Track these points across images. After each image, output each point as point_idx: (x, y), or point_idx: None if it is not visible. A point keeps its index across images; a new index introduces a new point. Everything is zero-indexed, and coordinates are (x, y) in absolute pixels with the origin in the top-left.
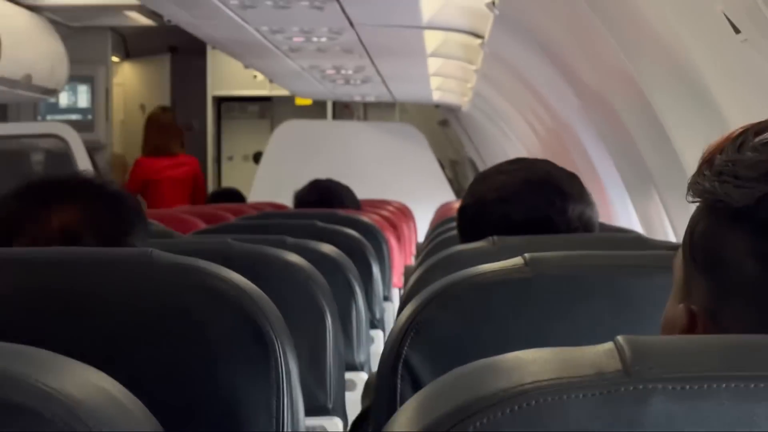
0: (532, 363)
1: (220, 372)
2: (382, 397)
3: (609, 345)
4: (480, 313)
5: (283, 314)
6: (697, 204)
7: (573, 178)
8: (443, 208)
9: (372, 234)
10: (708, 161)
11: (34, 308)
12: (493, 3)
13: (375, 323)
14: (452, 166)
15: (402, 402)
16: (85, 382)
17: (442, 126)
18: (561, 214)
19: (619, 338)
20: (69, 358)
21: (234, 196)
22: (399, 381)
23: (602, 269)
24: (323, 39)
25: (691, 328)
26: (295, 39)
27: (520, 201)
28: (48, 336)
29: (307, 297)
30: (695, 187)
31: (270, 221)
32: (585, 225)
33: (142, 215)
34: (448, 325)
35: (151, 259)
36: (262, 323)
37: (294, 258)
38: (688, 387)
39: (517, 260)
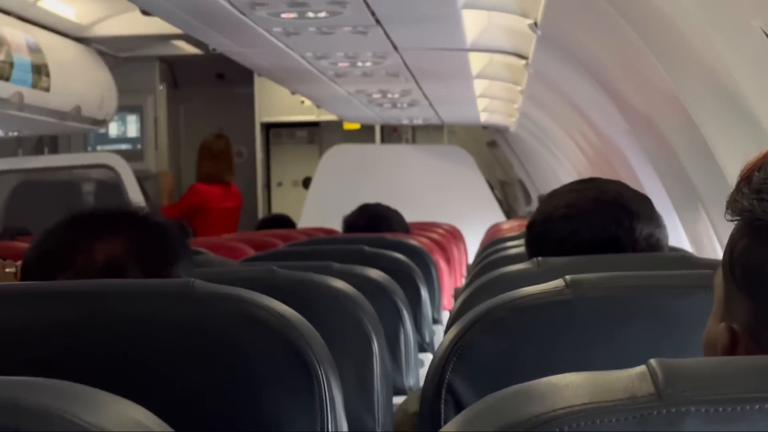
0: (564, 388)
1: (263, 401)
2: (426, 422)
3: (642, 368)
4: (522, 337)
5: (328, 340)
6: (737, 222)
7: (643, 200)
8: (493, 229)
9: (420, 257)
10: (746, 179)
11: (77, 340)
12: (536, 24)
13: (425, 346)
14: (502, 187)
15: None
16: (122, 417)
17: (490, 147)
18: (628, 235)
19: (652, 361)
20: (107, 393)
21: (284, 222)
22: (443, 405)
23: (644, 290)
24: (368, 63)
25: (732, 347)
26: (340, 64)
27: (588, 219)
28: (90, 368)
29: (353, 323)
30: (734, 205)
31: (318, 247)
32: (653, 246)
33: (187, 245)
34: (490, 349)
35: (193, 289)
36: (304, 351)
37: (339, 284)
38: (721, 409)
39: (557, 282)
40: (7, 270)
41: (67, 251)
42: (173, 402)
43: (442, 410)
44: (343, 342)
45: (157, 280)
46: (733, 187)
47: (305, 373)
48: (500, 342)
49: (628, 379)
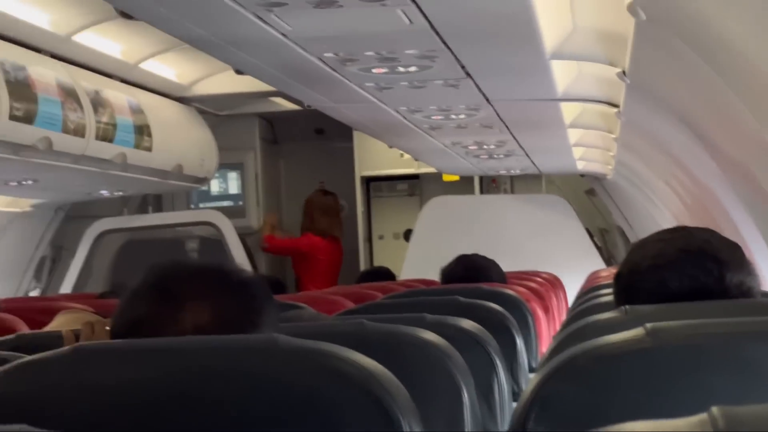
0: None
1: None
2: None
3: (703, 416)
4: (603, 385)
5: (418, 392)
6: None
7: (734, 247)
8: (592, 277)
9: (516, 306)
10: None
11: (163, 396)
12: (624, 72)
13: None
14: (601, 235)
15: None
16: None
17: (588, 195)
18: (718, 283)
19: (714, 409)
20: None
21: (384, 274)
22: None
23: (726, 337)
24: (462, 116)
25: None
26: (434, 117)
27: (676, 269)
28: (175, 423)
29: (443, 374)
30: None
31: (414, 299)
32: (744, 294)
33: (272, 300)
34: (571, 397)
35: (276, 345)
36: (388, 404)
37: (429, 336)
38: None
39: (638, 331)
40: (107, 328)
41: (153, 322)
42: None
43: None
44: (433, 393)
45: (242, 336)
46: None
47: (389, 426)
48: (581, 391)
49: (687, 426)
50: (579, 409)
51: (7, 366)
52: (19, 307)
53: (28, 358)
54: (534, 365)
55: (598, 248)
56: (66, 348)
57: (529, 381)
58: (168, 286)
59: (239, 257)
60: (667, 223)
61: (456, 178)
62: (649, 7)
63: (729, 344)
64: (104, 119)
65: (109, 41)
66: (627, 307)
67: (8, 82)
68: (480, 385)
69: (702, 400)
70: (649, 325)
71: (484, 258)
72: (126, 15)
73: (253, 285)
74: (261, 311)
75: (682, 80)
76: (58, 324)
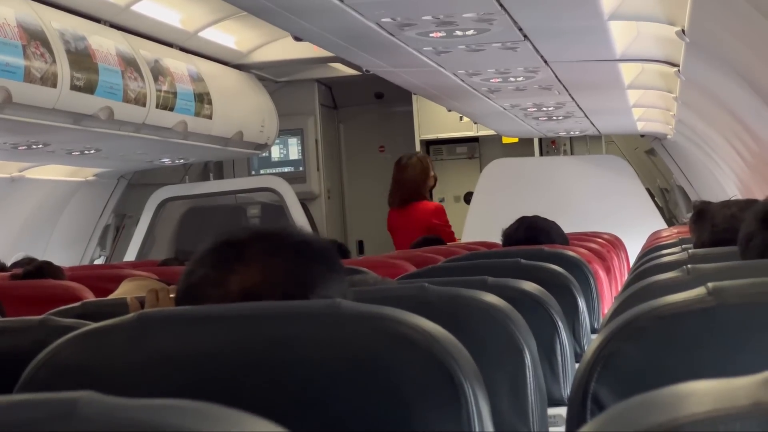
0: (688, 396)
1: (411, 418)
2: (572, 428)
3: (766, 374)
4: (665, 345)
5: (480, 354)
6: None
7: None
8: (653, 237)
9: (578, 268)
10: None
11: (225, 363)
12: (683, 31)
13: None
14: (662, 195)
15: None
16: None
17: (649, 155)
18: None
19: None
20: (251, 415)
21: (435, 242)
22: (588, 415)
23: None
24: (520, 78)
25: None
26: (493, 80)
27: None
28: (238, 392)
29: (505, 336)
30: None
31: (475, 262)
32: None
33: (334, 263)
34: (633, 357)
35: (339, 310)
36: (451, 366)
37: (490, 298)
38: None
39: (700, 290)
40: (171, 296)
41: (204, 286)
42: (320, 423)
43: (588, 417)
44: (496, 355)
45: (303, 302)
46: None
47: (452, 389)
48: (643, 350)
49: (752, 384)
50: (641, 368)
51: (72, 334)
52: (85, 275)
53: (93, 325)
54: (596, 326)
55: (659, 208)
56: (130, 315)
57: (591, 342)
58: (221, 250)
59: (300, 222)
60: (729, 182)
61: (515, 140)
62: None
63: None
64: (164, 88)
65: (168, 10)
66: (689, 266)
67: (69, 52)
68: (542, 347)
69: (766, 359)
70: (711, 284)
71: (545, 220)
72: None
73: (310, 248)
74: (314, 274)
75: (742, 37)
76: (123, 291)
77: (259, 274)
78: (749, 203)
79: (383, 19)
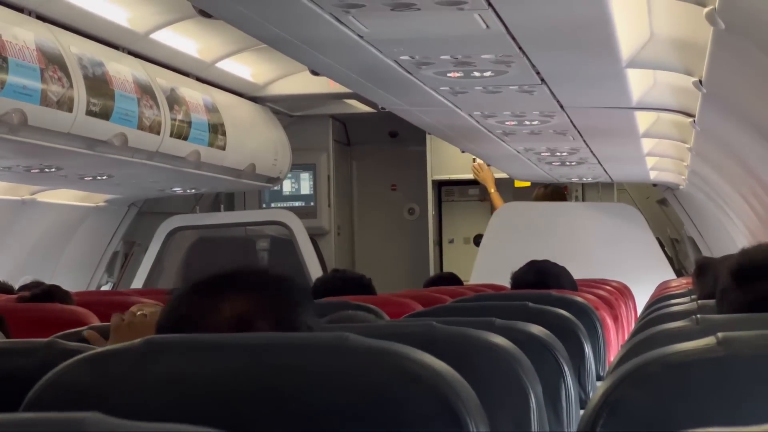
0: None
1: None
2: None
3: None
4: (672, 393)
5: (485, 395)
6: None
7: None
8: (662, 287)
9: (585, 314)
10: None
11: (230, 392)
12: (700, 81)
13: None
14: (672, 245)
15: None
16: None
17: (660, 204)
18: None
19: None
20: None
21: (450, 279)
22: None
23: None
24: (535, 122)
25: None
26: (508, 123)
27: None
28: (243, 421)
29: (511, 378)
30: None
31: (483, 303)
32: None
33: (309, 295)
34: (640, 404)
35: (347, 343)
36: (456, 406)
37: (498, 340)
38: None
39: (709, 340)
40: (139, 312)
41: (195, 314)
42: None
43: None
44: (501, 397)
45: (312, 334)
46: None
47: (456, 428)
48: (650, 398)
49: None
50: (647, 415)
51: (78, 357)
52: (92, 300)
53: (100, 349)
54: (602, 373)
55: (669, 258)
56: (138, 340)
57: (597, 388)
58: (213, 280)
59: (309, 257)
60: (741, 235)
61: (527, 184)
62: (727, 16)
63: None
64: (179, 117)
65: (186, 39)
66: (698, 316)
67: (86, 78)
68: (547, 391)
69: None
70: (720, 334)
71: (555, 264)
72: (204, 14)
73: (291, 280)
74: (299, 303)
75: (759, 90)
76: None
77: (251, 301)
78: None
79: (401, 57)
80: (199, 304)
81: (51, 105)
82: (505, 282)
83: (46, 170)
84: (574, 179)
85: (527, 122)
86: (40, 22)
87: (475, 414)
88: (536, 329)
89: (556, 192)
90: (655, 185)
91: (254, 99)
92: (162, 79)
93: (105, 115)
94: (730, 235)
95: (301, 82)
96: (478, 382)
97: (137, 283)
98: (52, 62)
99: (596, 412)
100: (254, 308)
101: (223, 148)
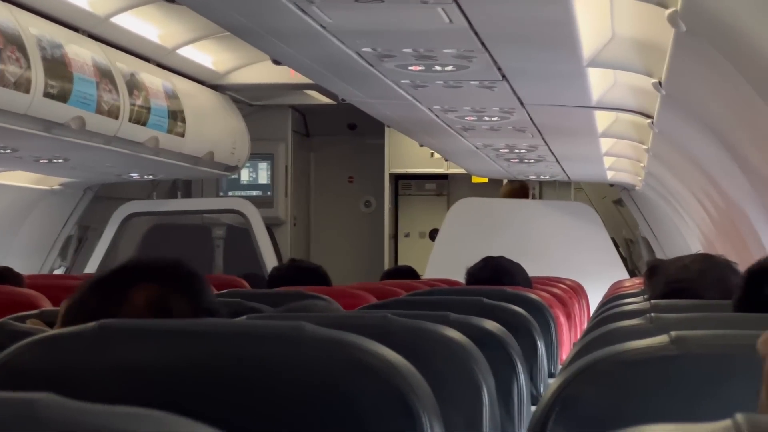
0: None
1: None
2: None
3: (727, 422)
4: (625, 390)
5: (439, 389)
6: None
7: None
8: (615, 286)
9: (539, 311)
10: None
11: (183, 378)
12: (660, 83)
13: (539, 399)
14: (627, 245)
15: None
16: None
17: (617, 205)
18: None
19: (738, 415)
20: (206, 426)
21: (408, 273)
22: None
23: (749, 348)
24: (495, 118)
25: None
26: (468, 118)
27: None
28: (196, 405)
29: (464, 372)
30: None
31: (438, 297)
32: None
33: (208, 285)
34: (593, 401)
35: (303, 333)
36: (410, 398)
37: (452, 334)
38: None
39: (663, 338)
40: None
41: (108, 305)
42: None
43: None
44: (454, 391)
45: (268, 322)
46: None
47: (410, 421)
48: (603, 394)
49: (712, 430)
50: (600, 412)
51: (31, 338)
52: (44, 284)
53: (53, 331)
54: (554, 371)
55: (623, 259)
56: (92, 324)
57: (550, 385)
58: (115, 274)
59: (265, 246)
60: (694, 237)
61: (485, 180)
62: (689, 19)
63: (752, 355)
64: (138, 102)
65: (147, 24)
66: (652, 314)
67: (44, 59)
68: (500, 387)
69: (724, 409)
70: (674, 333)
71: (510, 261)
72: None
73: (189, 266)
74: (206, 288)
75: (718, 94)
76: None
77: (163, 287)
78: (702, 256)
79: (364, 49)
80: (110, 295)
81: (8, 85)
82: (460, 277)
83: (1, 151)
84: (531, 177)
85: (487, 118)
86: None
87: (428, 407)
88: (491, 325)
89: (523, 188)
90: (611, 185)
91: (215, 87)
92: (122, 64)
93: (63, 97)
94: (684, 237)
95: (263, 72)
96: (431, 375)
97: (91, 268)
98: (11, 42)
99: (548, 408)
100: (167, 294)
101: (182, 135)
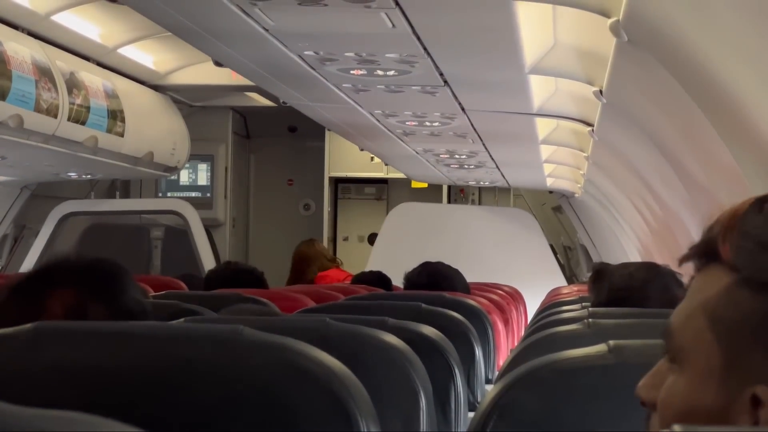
0: None
1: None
2: None
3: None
4: (562, 398)
5: (376, 394)
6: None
7: None
8: (553, 293)
9: (477, 317)
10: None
11: (120, 381)
12: (601, 92)
13: (476, 405)
14: (565, 252)
15: None
16: None
17: (555, 212)
18: None
19: (676, 426)
20: (129, 426)
21: (379, 280)
22: None
23: None
24: (436, 123)
25: (755, 412)
26: (409, 123)
27: None
28: (133, 408)
29: (402, 377)
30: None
31: (376, 302)
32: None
33: (129, 272)
34: (530, 408)
35: (241, 336)
36: (347, 402)
37: (390, 339)
38: None
39: (601, 347)
40: None
41: (27, 315)
42: None
43: None
44: (391, 396)
45: (206, 326)
46: None
47: (347, 425)
48: (541, 402)
49: None
50: (537, 419)
51: None
52: None
53: None
54: (491, 377)
55: (561, 265)
56: (27, 326)
57: (487, 391)
58: (29, 282)
59: (204, 248)
60: (631, 245)
61: (424, 185)
62: (631, 29)
63: None
64: (78, 101)
65: (88, 23)
66: (590, 320)
67: None
68: (437, 392)
69: None
70: (612, 342)
71: (449, 267)
72: None
73: (105, 264)
74: (123, 286)
75: (657, 104)
76: None
77: (79, 291)
78: (647, 264)
79: (306, 52)
80: (28, 305)
81: None
82: (399, 282)
83: None
84: (471, 183)
85: (428, 123)
86: None
87: (365, 412)
88: (428, 330)
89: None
90: (551, 192)
91: (155, 87)
92: (62, 62)
93: (1, 95)
94: (621, 245)
95: (204, 73)
96: (369, 380)
97: (26, 267)
98: None
99: (486, 415)
100: (83, 299)
101: (122, 135)
